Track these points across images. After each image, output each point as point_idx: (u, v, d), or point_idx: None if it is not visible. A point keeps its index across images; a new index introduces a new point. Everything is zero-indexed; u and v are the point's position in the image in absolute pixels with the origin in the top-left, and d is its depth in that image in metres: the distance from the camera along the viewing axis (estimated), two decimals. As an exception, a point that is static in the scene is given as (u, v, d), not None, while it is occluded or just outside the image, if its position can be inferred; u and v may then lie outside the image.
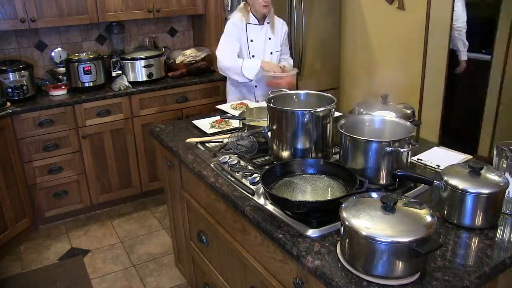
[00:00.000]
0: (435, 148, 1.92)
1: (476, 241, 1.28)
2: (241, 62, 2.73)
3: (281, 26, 2.90)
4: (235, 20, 2.77)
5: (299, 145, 1.67)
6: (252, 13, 2.78)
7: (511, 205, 1.41)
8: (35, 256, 3.00)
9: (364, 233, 1.07)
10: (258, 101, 2.86)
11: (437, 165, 1.74)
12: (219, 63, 2.81)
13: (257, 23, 2.80)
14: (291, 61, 3.06)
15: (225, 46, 2.79)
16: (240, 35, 2.77)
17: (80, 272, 2.82)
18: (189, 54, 3.76)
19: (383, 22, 3.58)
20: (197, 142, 2.04)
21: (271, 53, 2.87)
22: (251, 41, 2.80)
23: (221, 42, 2.81)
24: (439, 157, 1.82)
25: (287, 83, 2.69)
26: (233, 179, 1.67)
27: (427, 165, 1.76)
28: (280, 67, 2.83)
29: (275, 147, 1.74)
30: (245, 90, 2.93)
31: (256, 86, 2.91)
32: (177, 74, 3.62)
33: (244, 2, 2.82)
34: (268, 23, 2.82)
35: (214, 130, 2.21)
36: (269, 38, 2.84)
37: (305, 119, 1.63)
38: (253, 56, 2.82)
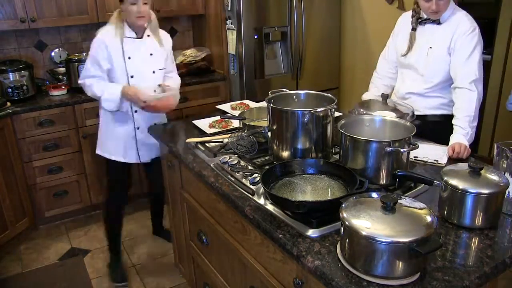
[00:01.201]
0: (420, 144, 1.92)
1: (476, 241, 1.28)
2: (101, 92, 2.31)
3: (165, 39, 2.48)
4: (104, 36, 2.30)
5: (299, 145, 1.67)
6: (128, 25, 2.33)
7: (511, 205, 1.41)
8: (35, 256, 3.00)
9: (364, 233, 1.07)
10: (138, 128, 2.47)
11: (435, 160, 1.76)
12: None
13: (135, 36, 2.34)
14: (178, 80, 2.60)
15: (85, 71, 2.37)
16: (110, 53, 2.29)
17: (80, 272, 2.82)
18: (189, 54, 3.76)
19: (383, 22, 3.57)
20: (197, 142, 2.04)
21: (154, 71, 2.42)
22: (129, 58, 2.33)
23: (86, 63, 2.39)
24: (431, 152, 1.83)
25: (163, 106, 2.35)
26: (233, 179, 1.67)
27: (426, 162, 1.77)
28: (160, 85, 2.43)
29: (275, 147, 1.74)
30: (123, 118, 2.45)
31: (136, 111, 2.45)
32: (177, 74, 3.62)
33: (118, 10, 2.33)
34: (148, 36, 2.39)
35: (214, 130, 2.21)
36: (151, 54, 2.39)
37: (305, 119, 1.63)
38: (131, 77, 2.36)
